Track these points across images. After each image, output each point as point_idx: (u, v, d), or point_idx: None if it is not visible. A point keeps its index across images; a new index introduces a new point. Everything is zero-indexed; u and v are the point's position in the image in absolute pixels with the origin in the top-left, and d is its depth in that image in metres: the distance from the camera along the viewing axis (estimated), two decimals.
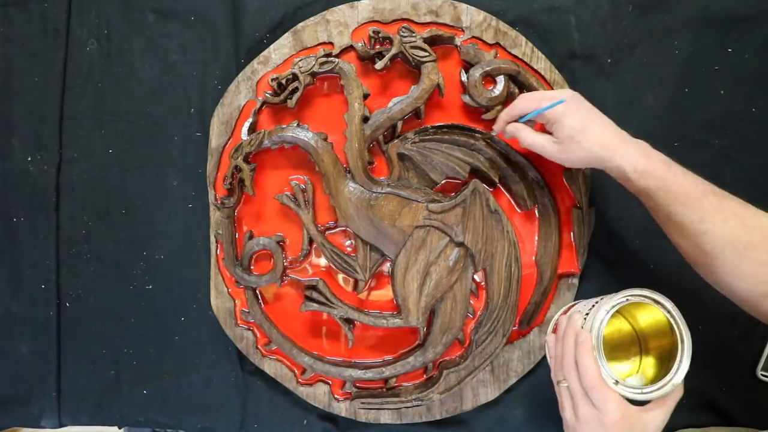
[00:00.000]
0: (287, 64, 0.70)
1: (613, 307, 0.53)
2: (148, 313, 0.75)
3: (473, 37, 0.69)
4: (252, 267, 0.71)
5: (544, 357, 0.71)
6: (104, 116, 0.74)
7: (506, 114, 0.64)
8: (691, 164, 0.70)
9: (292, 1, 0.71)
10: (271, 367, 0.72)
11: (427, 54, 0.66)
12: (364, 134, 0.66)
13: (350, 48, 0.69)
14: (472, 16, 0.69)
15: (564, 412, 0.53)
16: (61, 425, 0.77)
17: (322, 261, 0.71)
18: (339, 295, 0.70)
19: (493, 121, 0.68)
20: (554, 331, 0.60)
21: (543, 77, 0.69)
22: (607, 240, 0.71)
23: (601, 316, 0.52)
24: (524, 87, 0.68)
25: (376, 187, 0.67)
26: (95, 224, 0.75)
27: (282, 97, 0.67)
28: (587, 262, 0.71)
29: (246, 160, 0.67)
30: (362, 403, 0.71)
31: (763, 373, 0.70)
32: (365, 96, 0.67)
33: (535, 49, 0.69)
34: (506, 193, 0.71)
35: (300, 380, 0.72)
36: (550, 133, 0.60)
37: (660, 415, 0.51)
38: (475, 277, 0.69)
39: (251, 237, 0.71)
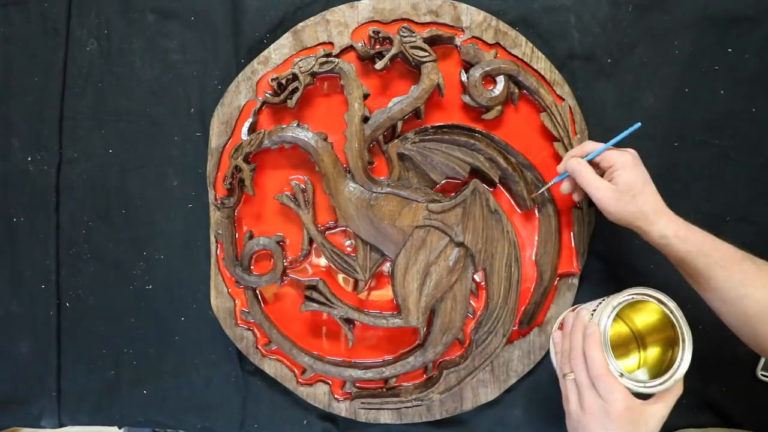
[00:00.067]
0: (287, 64, 0.70)
1: (620, 303, 0.54)
2: (148, 313, 0.75)
3: (473, 37, 0.69)
4: (252, 267, 0.71)
5: (545, 357, 0.71)
6: (104, 116, 0.74)
7: (575, 150, 0.64)
8: (691, 164, 0.71)
9: (292, 1, 0.71)
10: (271, 367, 0.72)
11: (427, 54, 0.66)
12: (364, 134, 0.66)
13: (350, 48, 0.69)
14: (472, 16, 0.69)
15: (569, 404, 0.54)
16: (61, 425, 0.77)
17: (322, 261, 0.71)
18: (339, 295, 0.70)
19: (493, 121, 0.68)
20: (560, 329, 0.61)
21: (543, 77, 0.69)
22: (607, 240, 0.71)
23: (608, 312, 0.54)
24: (524, 87, 0.68)
25: (376, 187, 0.67)
26: (95, 224, 0.75)
27: (282, 97, 0.67)
28: (587, 262, 0.71)
29: (246, 160, 0.67)
30: (362, 403, 0.71)
31: (763, 373, 0.71)
32: (365, 96, 0.67)
33: (535, 49, 0.69)
34: (506, 193, 0.71)
35: (300, 380, 0.72)
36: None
37: (661, 409, 0.52)
38: (475, 277, 0.69)
39: (251, 237, 0.71)
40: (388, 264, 0.70)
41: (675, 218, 0.58)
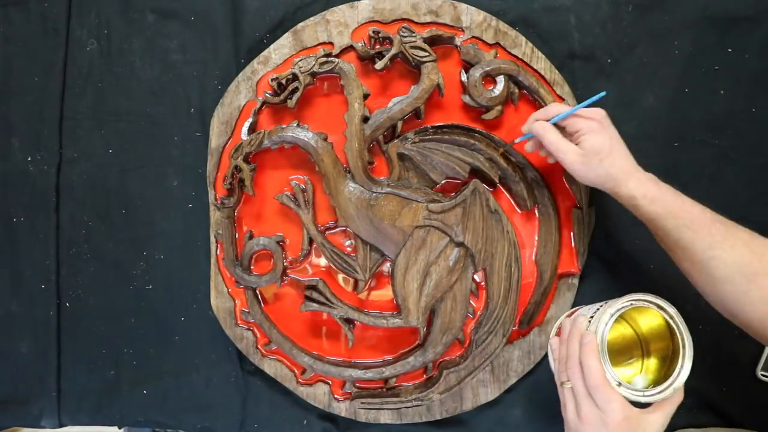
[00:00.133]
0: (287, 64, 0.70)
1: (618, 310, 0.53)
2: (148, 313, 0.75)
3: (473, 37, 0.69)
4: (252, 267, 0.71)
5: (544, 357, 0.71)
6: (104, 116, 0.74)
7: (539, 112, 0.63)
8: (691, 164, 0.71)
9: (292, 1, 0.71)
10: (271, 367, 0.72)
11: (427, 54, 0.66)
12: (364, 134, 0.66)
13: (350, 48, 0.69)
14: (472, 16, 0.69)
15: (567, 413, 0.53)
16: (61, 425, 0.77)
17: (322, 261, 0.71)
18: (339, 295, 0.70)
19: (493, 121, 0.68)
20: (557, 334, 0.60)
21: (543, 77, 0.69)
22: (607, 240, 0.71)
23: (606, 319, 0.53)
24: (524, 87, 0.68)
25: (376, 187, 0.67)
26: (95, 224, 0.75)
27: (282, 97, 0.67)
28: (587, 262, 0.71)
29: (246, 160, 0.67)
30: (362, 403, 0.71)
31: (763, 373, 0.70)
32: (365, 96, 0.67)
33: (535, 49, 0.69)
34: (506, 193, 0.71)
35: (300, 380, 0.72)
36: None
37: (660, 418, 0.51)
38: (475, 277, 0.69)
39: (251, 237, 0.71)
40: (388, 264, 0.70)
41: (645, 179, 0.57)
